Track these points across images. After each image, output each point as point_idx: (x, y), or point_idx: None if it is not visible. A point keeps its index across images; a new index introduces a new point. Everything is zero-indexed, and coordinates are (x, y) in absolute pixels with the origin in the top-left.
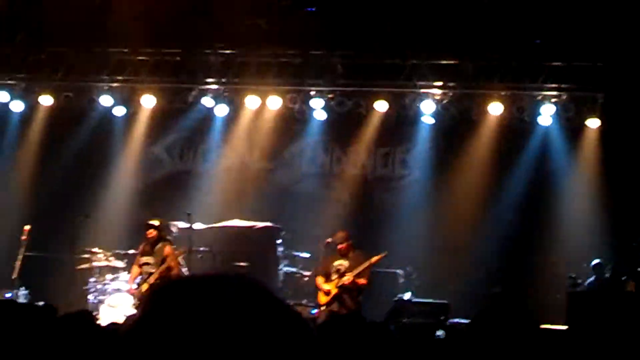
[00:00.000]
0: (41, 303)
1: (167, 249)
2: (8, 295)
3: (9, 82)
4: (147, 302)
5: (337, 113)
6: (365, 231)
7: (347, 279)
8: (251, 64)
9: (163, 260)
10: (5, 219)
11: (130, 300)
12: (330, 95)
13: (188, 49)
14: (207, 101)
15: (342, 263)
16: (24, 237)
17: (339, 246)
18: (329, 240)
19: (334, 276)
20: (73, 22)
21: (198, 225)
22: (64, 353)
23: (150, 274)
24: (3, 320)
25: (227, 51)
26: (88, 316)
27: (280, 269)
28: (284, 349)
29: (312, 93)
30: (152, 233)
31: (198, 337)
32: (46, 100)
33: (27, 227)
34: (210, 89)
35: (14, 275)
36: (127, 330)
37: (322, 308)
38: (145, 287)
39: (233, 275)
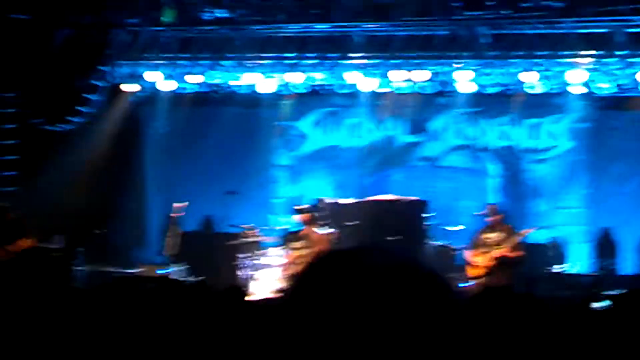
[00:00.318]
0: (194, 279)
1: (317, 234)
2: (164, 271)
3: (157, 61)
4: (300, 276)
5: (483, 85)
6: (514, 203)
7: (498, 252)
8: (396, 38)
9: (313, 244)
10: (159, 197)
11: (279, 277)
12: (476, 68)
13: (334, 24)
14: (353, 76)
15: (492, 236)
16: (178, 214)
17: (489, 219)
18: (478, 213)
19: (484, 249)
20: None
21: (346, 200)
22: (216, 328)
23: (299, 256)
24: (158, 297)
25: (372, 25)
26: (239, 291)
27: (429, 243)
28: (435, 320)
29: (458, 66)
30: (298, 218)
31: (349, 309)
32: (193, 78)
33: (181, 204)
34: (357, 63)
35: (170, 252)
36: (279, 303)
37: (473, 282)
38: (296, 270)
39: (382, 247)
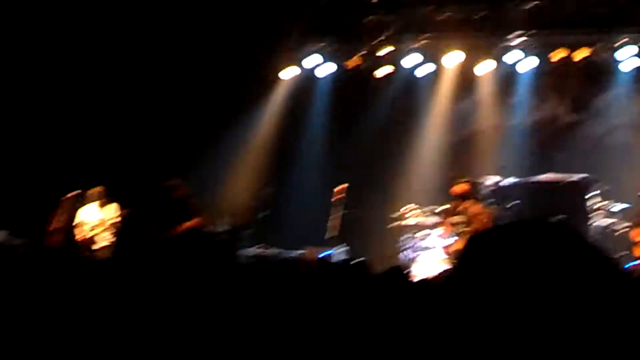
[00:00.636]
0: (355, 260)
1: (476, 208)
2: (327, 253)
3: (317, 46)
4: (461, 252)
5: None
6: None
7: None
8: (558, 15)
9: (474, 220)
10: (321, 180)
11: (442, 258)
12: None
13: (493, 2)
14: (514, 55)
15: None
16: (339, 197)
17: None
18: None
19: None
20: None
21: (509, 180)
22: (378, 309)
23: (461, 233)
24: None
25: (532, 3)
26: (401, 272)
27: (594, 222)
28: (601, 296)
29: (622, 42)
30: (459, 190)
31: (516, 281)
32: (353, 62)
33: (342, 187)
34: (518, 42)
35: (330, 234)
36: (443, 281)
37: (639, 261)
38: (456, 246)
39: (546, 221)
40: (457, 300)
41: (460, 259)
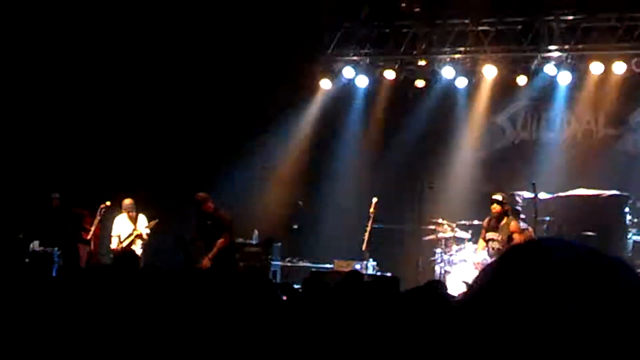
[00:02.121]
0: (388, 274)
1: (513, 225)
2: (357, 266)
3: (354, 57)
4: (491, 269)
5: None
6: None
7: None
8: (595, 29)
9: (509, 237)
10: (353, 193)
11: (475, 274)
12: None
13: (530, 16)
14: (550, 69)
15: None
16: (371, 210)
17: None
18: None
19: None
20: None
21: (543, 195)
22: (410, 325)
23: (497, 249)
24: (351, 290)
25: (571, 17)
26: (438, 286)
27: (629, 238)
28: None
29: None
30: (496, 208)
31: (538, 305)
32: (390, 74)
33: (374, 200)
34: (553, 56)
35: (363, 247)
36: (471, 299)
37: None
38: (489, 263)
39: (578, 243)
40: (483, 319)
41: (488, 276)
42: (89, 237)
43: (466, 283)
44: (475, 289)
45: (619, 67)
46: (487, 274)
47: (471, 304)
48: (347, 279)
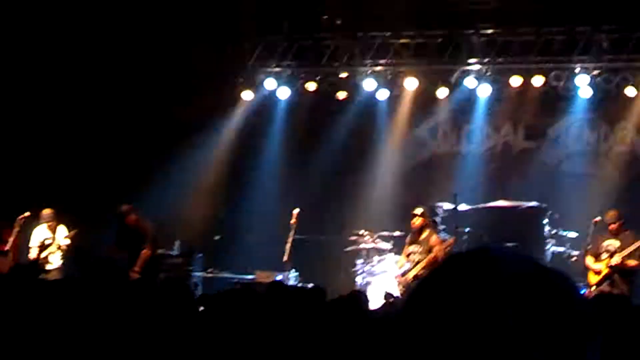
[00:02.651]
0: (310, 285)
1: (434, 239)
2: (279, 277)
3: (276, 69)
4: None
5: (604, 90)
6: (635, 210)
7: (617, 259)
8: (514, 43)
9: (430, 250)
10: (274, 204)
11: (396, 286)
12: (596, 72)
13: (450, 29)
14: (470, 81)
15: (612, 243)
16: (293, 221)
17: (610, 226)
18: (598, 219)
19: (604, 256)
20: (334, 9)
21: (463, 206)
22: (333, 334)
23: (417, 262)
24: (273, 301)
25: (490, 31)
26: (360, 297)
27: (548, 249)
28: (558, 324)
29: (577, 70)
30: (415, 223)
31: (473, 315)
32: (311, 86)
33: (296, 211)
34: (473, 69)
35: (285, 258)
36: (401, 311)
37: (592, 288)
38: (411, 274)
39: (503, 250)
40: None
41: (418, 288)
42: (7, 248)
43: (388, 294)
44: (406, 303)
45: (538, 81)
46: (429, 282)
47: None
48: (270, 291)
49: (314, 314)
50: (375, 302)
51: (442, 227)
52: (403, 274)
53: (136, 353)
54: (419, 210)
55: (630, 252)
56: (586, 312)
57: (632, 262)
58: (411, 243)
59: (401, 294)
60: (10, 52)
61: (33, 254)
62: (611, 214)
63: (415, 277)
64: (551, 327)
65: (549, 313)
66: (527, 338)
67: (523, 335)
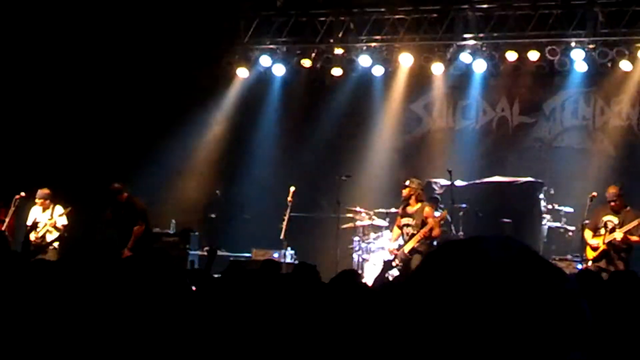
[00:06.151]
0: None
1: (427, 211)
2: (275, 255)
3: (271, 46)
4: (420, 266)
5: (599, 64)
6: (631, 184)
7: (618, 235)
8: (510, 18)
9: (424, 222)
10: (270, 182)
11: (392, 259)
12: (591, 46)
13: (445, 4)
14: (465, 57)
15: (612, 219)
16: (289, 199)
17: (611, 203)
18: (594, 193)
19: (603, 231)
20: None
21: (459, 182)
22: (327, 310)
23: (412, 235)
24: (268, 279)
25: (485, 5)
26: (354, 275)
27: (544, 224)
28: (546, 311)
29: (573, 44)
30: (404, 192)
31: (469, 297)
32: (306, 62)
33: (292, 189)
34: (469, 44)
35: (281, 236)
36: (396, 290)
37: (590, 263)
38: (407, 248)
39: (498, 236)
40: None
41: (414, 272)
42: (3, 228)
43: (386, 263)
44: (401, 282)
45: (533, 55)
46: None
47: (397, 296)
48: (263, 268)
49: (308, 292)
50: (371, 278)
51: (441, 205)
52: (398, 248)
53: (127, 330)
54: (408, 181)
55: (630, 229)
56: (576, 305)
57: (633, 238)
58: (403, 215)
59: (398, 268)
60: (6, 41)
61: (35, 232)
62: (612, 191)
63: (412, 250)
64: (540, 320)
65: (537, 305)
66: (516, 330)
67: (511, 326)
